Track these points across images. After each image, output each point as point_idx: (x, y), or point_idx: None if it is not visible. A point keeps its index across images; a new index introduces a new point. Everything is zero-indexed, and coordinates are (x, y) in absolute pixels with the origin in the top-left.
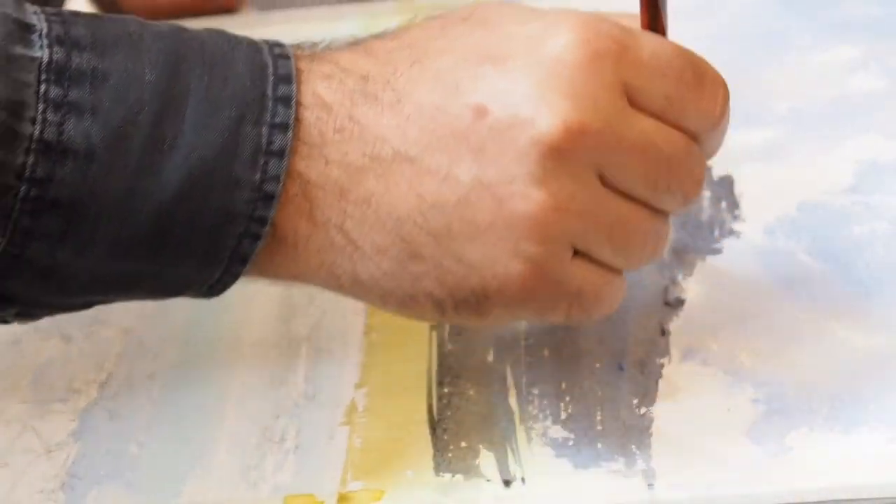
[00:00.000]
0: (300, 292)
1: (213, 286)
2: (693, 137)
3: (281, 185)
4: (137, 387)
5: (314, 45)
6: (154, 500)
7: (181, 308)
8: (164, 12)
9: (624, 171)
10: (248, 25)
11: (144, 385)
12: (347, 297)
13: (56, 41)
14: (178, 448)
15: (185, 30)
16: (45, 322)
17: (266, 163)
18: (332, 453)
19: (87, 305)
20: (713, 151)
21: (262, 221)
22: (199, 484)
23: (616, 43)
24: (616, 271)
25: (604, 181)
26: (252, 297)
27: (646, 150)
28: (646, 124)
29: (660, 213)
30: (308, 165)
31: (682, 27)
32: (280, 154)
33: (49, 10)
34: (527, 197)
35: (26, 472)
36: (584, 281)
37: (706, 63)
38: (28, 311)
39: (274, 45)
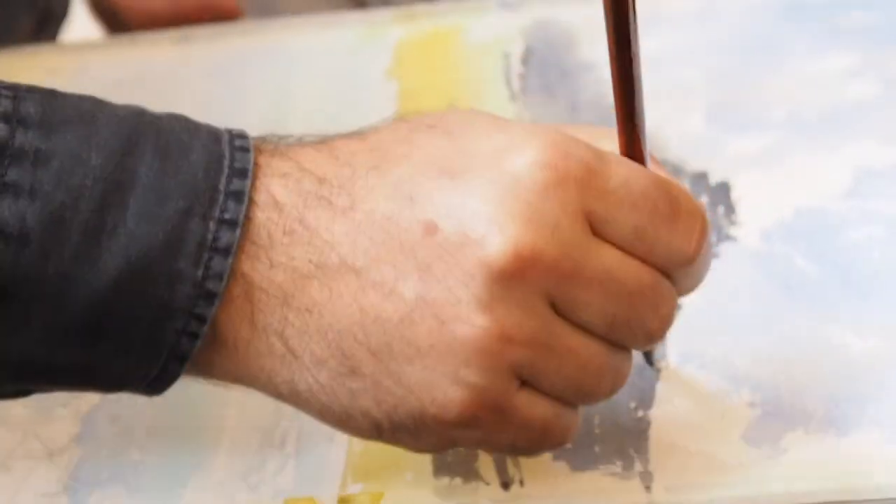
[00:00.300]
0: None
1: (151, 384)
2: (664, 273)
3: (224, 283)
4: None
5: (282, 138)
6: (155, 503)
7: None
8: (163, 20)
9: (580, 303)
10: (246, 33)
11: None
12: (289, 405)
13: (1, 118)
14: (180, 452)
15: (144, 113)
16: None
17: (210, 259)
18: (332, 456)
19: (22, 394)
20: (689, 289)
21: (202, 319)
22: (201, 488)
23: (584, 168)
24: (568, 404)
25: (557, 311)
26: None
27: (605, 283)
28: (609, 256)
29: (620, 348)
30: (253, 266)
31: (681, 35)
32: (226, 252)
33: (3, 83)
34: (470, 321)
35: (29, 476)
36: (530, 413)
37: (685, 194)
38: None
39: (236, 137)
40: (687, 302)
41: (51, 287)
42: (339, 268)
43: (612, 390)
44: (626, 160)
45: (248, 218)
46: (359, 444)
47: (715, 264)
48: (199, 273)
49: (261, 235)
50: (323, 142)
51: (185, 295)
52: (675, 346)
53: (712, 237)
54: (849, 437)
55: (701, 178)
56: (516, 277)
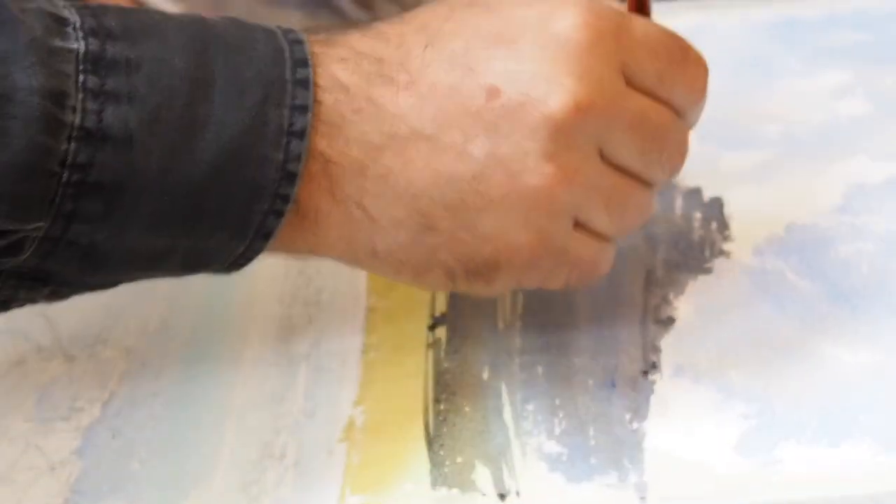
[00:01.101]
0: (300, 313)
1: (236, 261)
2: (678, 112)
3: (302, 164)
4: (140, 405)
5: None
6: None
7: (183, 327)
8: None
9: (621, 145)
10: None
11: (147, 403)
12: (362, 269)
13: (90, 33)
14: (180, 464)
15: (205, 18)
16: (49, 342)
17: (288, 143)
18: (331, 469)
19: (116, 283)
20: (694, 124)
21: (286, 199)
22: (201, 499)
23: (615, 25)
24: (609, 239)
25: (601, 155)
26: (252, 316)
27: (641, 125)
28: (641, 101)
29: (648, 184)
30: (329, 144)
31: None
32: (301, 135)
33: (77, 3)
34: (538, 171)
35: (30, 489)
36: (583, 249)
37: (689, 43)
38: (60, 290)
39: (287, 31)
40: (681, 315)
41: (154, 181)
42: (409, 136)
43: (642, 220)
44: (639, 16)
45: (317, 102)
46: (357, 456)
47: (708, 279)
48: (280, 156)
49: (332, 116)
50: (368, 28)
51: (270, 177)
52: (670, 358)
53: (706, 252)
54: (841, 448)
55: (694, 193)
56: (575, 128)
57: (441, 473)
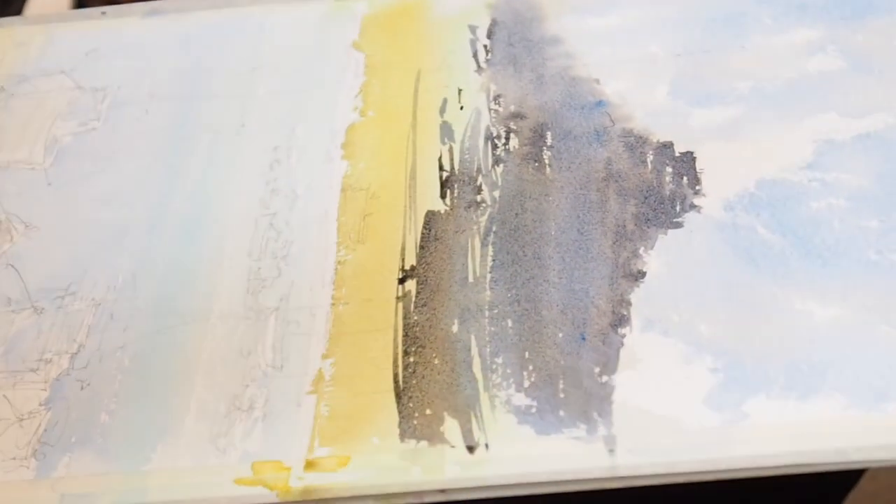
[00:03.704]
0: (269, 266)
1: None
2: None
3: None
4: (108, 357)
5: None
6: (124, 466)
7: (151, 281)
8: None
9: None
10: (215, 6)
11: (115, 356)
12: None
13: None
14: (148, 416)
15: None
16: (17, 295)
17: None
18: (300, 421)
19: None
20: None
21: None
22: (169, 451)
23: None
24: None
25: None
26: (222, 270)
27: None
28: None
29: None
30: None
31: (648, 11)
32: None
33: None
34: None
35: None
36: None
37: None
38: None
39: None
40: (651, 270)
41: None
42: None
43: None
44: None
45: None
46: (326, 408)
47: (679, 233)
48: None
49: None
50: None
51: None
52: (640, 312)
53: (677, 206)
54: (809, 403)
55: (666, 148)
56: None
57: (410, 426)
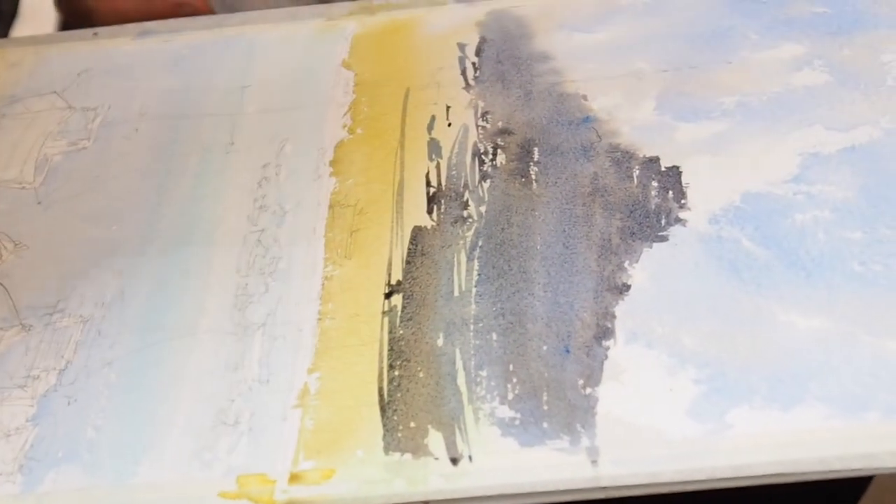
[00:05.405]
0: (256, 282)
1: None
2: None
3: None
4: (95, 373)
5: None
6: (110, 480)
7: (138, 296)
8: (132, 16)
9: None
10: (206, 27)
11: (102, 371)
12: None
13: None
14: (134, 431)
15: None
16: (6, 312)
17: None
18: (285, 435)
19: None
20: None
21: None
22: (155, 465)
23: None
24: None
25: None
26: (209, 285)
27: None
28: None
29: None
30: None
31: (635, 27)
32: None
33: None
34: None
35: None
36: None
37: None
38: None
39: None
40: (636, 283)
41: None
42: None
43: None
44: None
45: None
46: (311, 422)
47: (664, 247)
48: None
49: None
50: None
51: None
52: (624, 325)
53: (662, 220)
54: (792, 413)
55: (652, 162)
56: None
57: (394, 438)
